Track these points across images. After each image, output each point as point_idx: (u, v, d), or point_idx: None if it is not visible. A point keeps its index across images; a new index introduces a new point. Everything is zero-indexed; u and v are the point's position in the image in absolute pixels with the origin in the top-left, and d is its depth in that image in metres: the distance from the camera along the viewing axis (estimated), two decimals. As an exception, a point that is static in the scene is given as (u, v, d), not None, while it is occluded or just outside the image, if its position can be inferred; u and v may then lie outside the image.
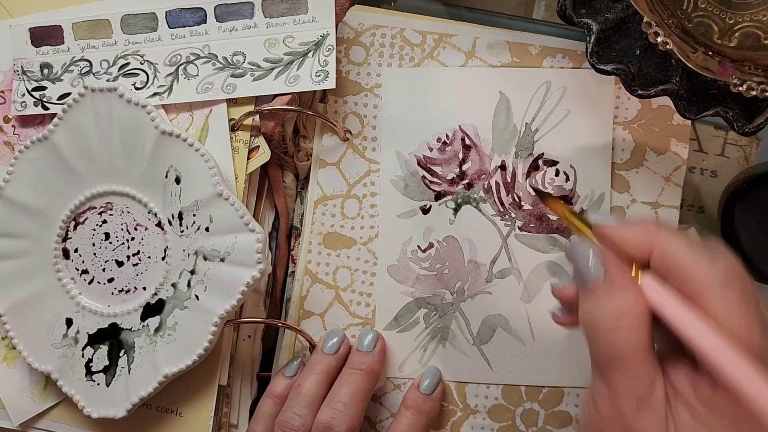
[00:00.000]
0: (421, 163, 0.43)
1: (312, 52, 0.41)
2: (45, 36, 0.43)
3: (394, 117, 0.43)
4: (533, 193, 0.41)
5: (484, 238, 0.43)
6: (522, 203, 0.42)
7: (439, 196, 0.43)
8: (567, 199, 0.42)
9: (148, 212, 0.41)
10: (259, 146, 0.42)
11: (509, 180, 0.42)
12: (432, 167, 0.43)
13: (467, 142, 0.43)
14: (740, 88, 0.34)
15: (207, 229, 0.39)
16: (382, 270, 0.43)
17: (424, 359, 0.43)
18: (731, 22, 0.34)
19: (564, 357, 0.42)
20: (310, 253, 0.44)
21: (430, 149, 0.43)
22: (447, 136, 0.43)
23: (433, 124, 0.43)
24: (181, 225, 0.40)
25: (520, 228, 0.43)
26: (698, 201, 0.44)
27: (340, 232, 0.44)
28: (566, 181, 0.42)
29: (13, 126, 0.45)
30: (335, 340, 0.42)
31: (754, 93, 0.34)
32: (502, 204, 0.42)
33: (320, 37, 0.41)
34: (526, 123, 0.42)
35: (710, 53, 0.35)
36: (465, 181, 0.43)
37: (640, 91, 0.37)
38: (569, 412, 0.43)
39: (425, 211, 0.43)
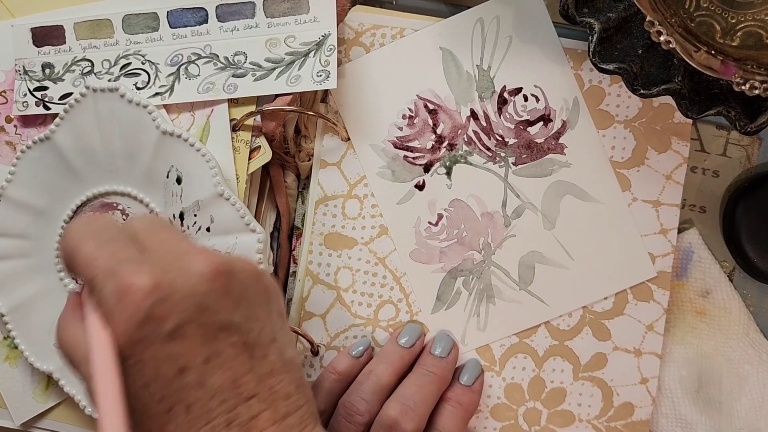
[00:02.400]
0: (397, 145, 0.43)
1: (313, 52, 0.41)
2: (47, 36, 0.43)
3: (354, 113, 0.43)
4: None
5: (486, 187, 0.43)
6: (506, 140, 0.42)
7: (427, 167, 0.43)
8: (545, 117, 0.42)
9: (150, 212, 0.41)
10: (260, 146, 0.42)
11: (485, 124, 0.42)
12: (409, 144, 0.43)
13: (431, 107, 0.43)
14: (743, 87, 0.34)
15: (208, 230, 0.39)
16: (405, 259, 0.43)
17: (481, 324, 0.43)
18: (733, 21, 0.34)
19: (609, 262, 0.42)
20: (311, 254, 0.44)
21: (400, 129, 0.43)
22: (410, 109, 0.43)
23: (392, 105, 0.43)
24: (182, 225, 0.40)
25: (514, 164, 0.43)
26: (700, 201, 0.44)
27: (341, 233, 0.44)
28: (537, 102, 0.42)
29: (15, 126, 0.45)
30: (412, 334, 0.42)
31: (756, 92, 0.34)
32: (488, 149, 0.42)
33: (321, 37, 0.41)
34: (477, 65, 0.42)
35: (713, 52, 0.35)
36: (445, 144, 0.43)
37: (642, 91, 0.37)
38: (572, 411, 0.43)
39: (420, 187, 0.43)
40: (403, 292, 0.43)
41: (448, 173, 0.43)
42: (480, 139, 0.42)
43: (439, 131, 0.43)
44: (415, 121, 0.43)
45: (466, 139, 0.43)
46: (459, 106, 0.43)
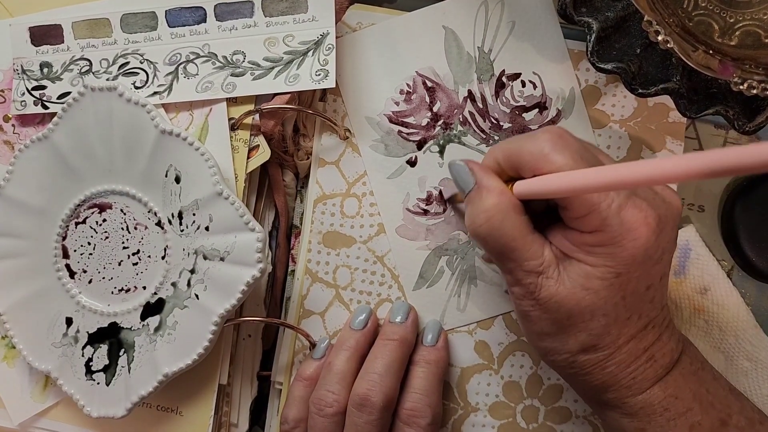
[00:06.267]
0: (392, 119, 0.43)
1: (312, 51, 0.41)
2: (45, 35, 0.43)
3: (352, 84, 0.43)
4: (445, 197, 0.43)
5: None
6: (501, 124, 0.43)
7: (420, 144, 0.43)
8: (541, 105, 0.42)
9: (148, 211, 0.41)
10: (258, 145, 0.42)
11: (481, 106, 0.42)
12: (404, 120, 0.43)
13: (429, 84, 0.43)
14: (741, 87, 0.34)
15: (207, 229, 0.39)
16: (392, 234, 0.43)
17: (461, 305, 0.43)
18: (732, 20, 0.34)
19: None
20: (309, 252, 0.44)
21: (396, 103, 0.43)
22: (408, 85, 0.43)
23: (391, 79, 0.43)
24: (181, 224, 0.40)
25: None
26: (698, 200, 0.44)
27: (340, 231, 0.44)
28: (534, 89, 0.42)
29: (13, 125, 0.45)
30: (363, 316, 0.42)
31: (754, 91, 0.34)
32: (483, 131, 0.43)
33: (320, 36, 0.41)
34: (478, 47, 0.43)
35: (711, 52, 0.35)
36: (440, 122, 0.43)
37: (640, 90, 0.37)
38: (569, 408, 0.43)
39: (412, 163, 0.43)
40: (401, 290, 0.43)
41: (441, 152, 0.43)
42: (475, 121, 0.43)
43: (435, 109, 0.43)
44: (412, 97, 0.43)
45: (461, 120, 0.43)
46: (457, 86, 0.43)
